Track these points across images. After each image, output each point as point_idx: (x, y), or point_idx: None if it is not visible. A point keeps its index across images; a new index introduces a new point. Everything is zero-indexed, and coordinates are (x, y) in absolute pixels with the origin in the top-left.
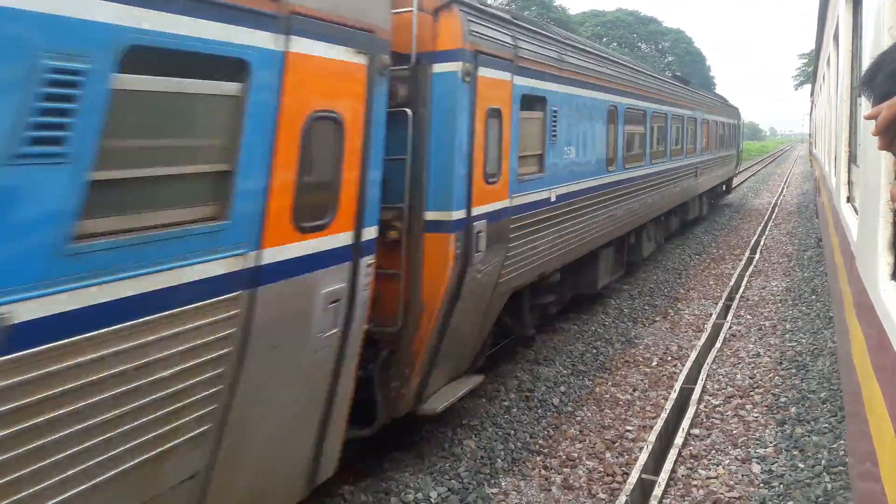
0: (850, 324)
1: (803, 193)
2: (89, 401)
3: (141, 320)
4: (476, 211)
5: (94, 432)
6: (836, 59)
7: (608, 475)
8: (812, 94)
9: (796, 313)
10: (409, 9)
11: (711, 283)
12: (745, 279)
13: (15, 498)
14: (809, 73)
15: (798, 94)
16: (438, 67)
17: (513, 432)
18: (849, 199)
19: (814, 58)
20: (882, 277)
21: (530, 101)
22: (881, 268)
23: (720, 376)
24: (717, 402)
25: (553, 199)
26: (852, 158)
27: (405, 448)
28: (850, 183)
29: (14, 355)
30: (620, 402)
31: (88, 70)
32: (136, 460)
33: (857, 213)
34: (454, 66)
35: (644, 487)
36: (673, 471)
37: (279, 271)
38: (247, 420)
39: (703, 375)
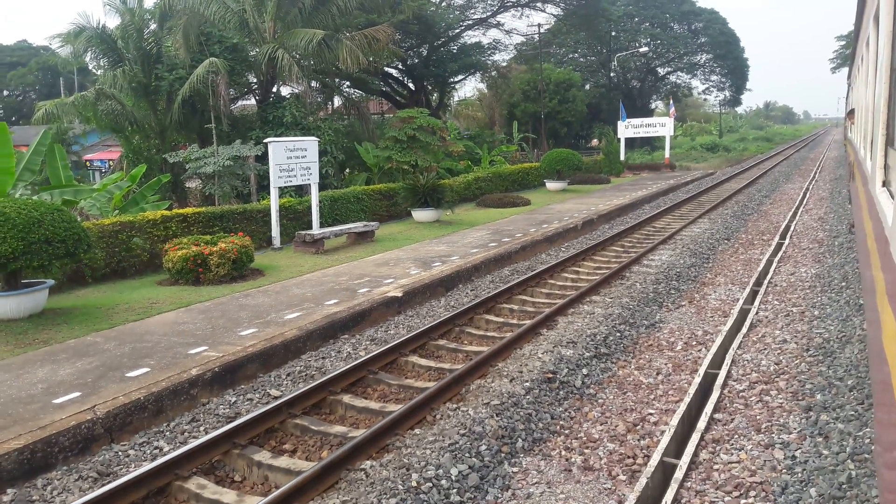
0: (881, 310)
1: (836, 179)
2: None
3: None
4: None
5: None
6: (875, 41)
7: (629, 457)
8: (849, 76)
9: (825, 300)
10: None
11: (739, 268)
12: (774, 265)
13: None
14: (847, 56)
15: (834, 78)
16: None
17: (534, 413)
18: (884, 184)
19: (852, 39)
20: None
21: None
22: None
23: (745, 362)
24: (741, 388)
25: None
26: (889, 142)
27: (426, 425)
28: (886, 167)
29: None
30: (643, 386)
31: None
32: None
33: (892, 198)
34: None
35: (665, 470)
36: (695, 454)
37: None
38: None
39: (727, 360)
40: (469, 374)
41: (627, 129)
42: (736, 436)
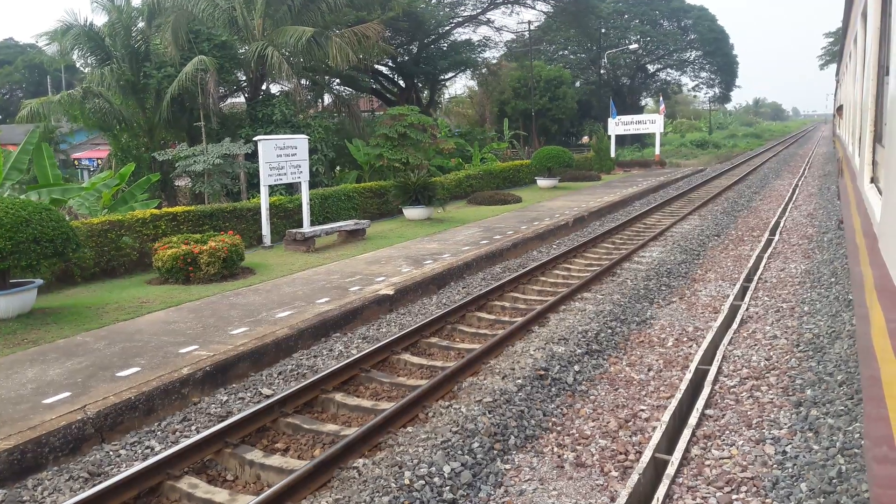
0: (870, 306)
1: (825, 175)
2: None
3: None
4: None
5: None
6: (863, 37)
7: (621, 453)
8: (837, 73)
9: (815, 295)
10: None
11: (729, 264)
12: (764, 261)
13: None
14: (835, 53)
15: (822, 75)
16: None
17: (526, 410)
18: (872, 180)
19: (840, 36)
20: None
21: None
22: None
23: (736, 358)
24: (732, 384)
25: None
26: (878, 138)
27: (419, 423)
28: (874, 163)
29: None
30: (635, 382)
31: None
32: None
33: (881, 194)
34: None
35: (657, 466)
36: (686, 450)
37: None
38: None
39: (718, 356)
40: (461, 372)
41: (618, 126)
42: (727, 431)
